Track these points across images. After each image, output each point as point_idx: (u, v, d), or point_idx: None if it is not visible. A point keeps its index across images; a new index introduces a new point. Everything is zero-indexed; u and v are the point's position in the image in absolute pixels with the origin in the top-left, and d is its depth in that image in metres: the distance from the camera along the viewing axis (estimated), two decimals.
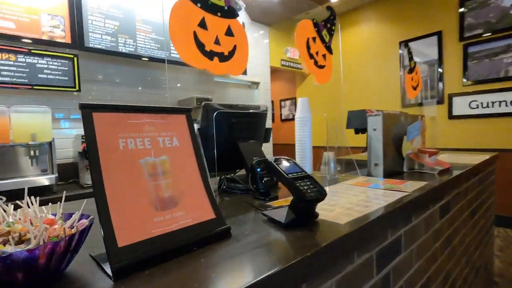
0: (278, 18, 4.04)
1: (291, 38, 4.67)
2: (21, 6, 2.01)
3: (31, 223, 0.44)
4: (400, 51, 4.04)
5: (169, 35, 0.71)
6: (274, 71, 4.37)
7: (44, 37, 2.11)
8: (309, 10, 4.19)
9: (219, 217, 0.60)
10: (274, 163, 0.66)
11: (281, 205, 0.77)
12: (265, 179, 0.91)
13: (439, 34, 3.68)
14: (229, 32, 0.83)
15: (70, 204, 0.85)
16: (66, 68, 2.21)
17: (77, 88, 2.26)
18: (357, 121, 1.40)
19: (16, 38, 1.99)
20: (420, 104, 3.94)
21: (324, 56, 1.17)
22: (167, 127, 0.62)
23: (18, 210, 0.48)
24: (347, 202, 0.82)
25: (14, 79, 2.00)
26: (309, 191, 0.60)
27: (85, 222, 0.46)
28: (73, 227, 0.46)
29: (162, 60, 2.73)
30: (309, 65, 1.08)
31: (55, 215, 0.49)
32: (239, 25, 0.85)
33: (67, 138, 2.30)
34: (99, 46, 2.35)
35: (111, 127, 0.53)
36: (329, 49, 1.21)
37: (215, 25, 0.79)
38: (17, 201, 0.49)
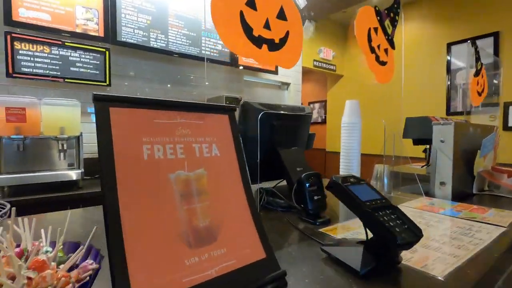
0: (313, 16, 3.84)
1: (325, 38, 4.43)
2: None
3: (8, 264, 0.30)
4: (447, 55, 3.67)
5: (211, 15, 0.57)
6: (304, 72, 4.17)
7: (78, 30, 2.08)
8: (345, 8, 3.95)
9: (271, 258, 0.44)
10: (344, 185, 0.49)
11: (344, 238, 0.59)
12: (315, 197, 0.74)
13: (495, 35, 3.29)
14: (281, 15, 0.67)
15: (88, 211, 0.73)
16: (98, 62, 2.18)
17: (107, 82, 2.22)
18: (418, 130, 1.19)
19: (51, 30, 1.97)
20: (468, 113, 3.56)
21: (386, 51, 0.98)
22: (205, 131, 0.47)
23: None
24: (428, 238, 0.63)
25: (47, 72, 1.98)
26: (397, 229, 0.43)
27: (89, 267, 0.32)
28: (72, 270, 0.32)
29: (192, 57, 2.64)
30: (370, 60, 0.89)
31: (53, 245, 0.36)
32: (294, 7, 0.69)
33: (95, 132, 2.26)
34: (131, 41, 2.30)
35: (133, 128, 0.39)
36: (391, 43, 1.01)
37: (266, 4, 0.64)
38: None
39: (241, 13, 0.61)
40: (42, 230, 0.39)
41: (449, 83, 3.67)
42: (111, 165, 0.35)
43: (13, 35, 1.84)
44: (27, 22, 1.88)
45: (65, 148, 1.86)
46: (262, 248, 0.44)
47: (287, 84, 3.73)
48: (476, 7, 3.41)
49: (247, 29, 0.61)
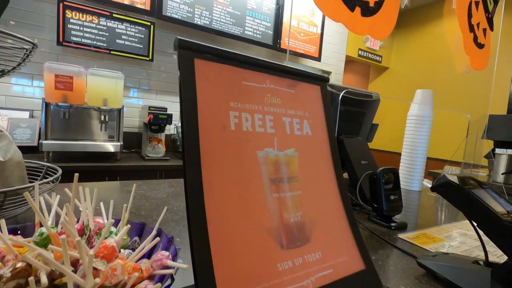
0: None
1: None
2: None
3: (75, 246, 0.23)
4: None
5: None
6: (346, 61, 3.92)
7: (126, 2, 2.06)
8: None
9: (371, 269, 0.34)
10: (466, 188, 0.37)
11: (439, 251, 0.48)
12: (392, 197, 0.63)
13: None
14: None
15: (124, 184, 0.68)
16: (142, 36, 2.15)
17: (150, 57, 2.20)
18: (504, 131, 1.01)
19: (101, 1, 1.97)
20: None
21: (484, 31, 0.82)
22: (296, 102, 0.37)
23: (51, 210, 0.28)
24: None
25: (95, 42, 1.99)
26: None
27: (165, 262, 0.24)
28: (141, 259, 0.25)
29: (235, 37, 2.54)
30: (467, 41, 0.74)
31: (115, 224, 0.29)
32: None
33: (134, 107, 2.27)
34: (176, 16, 2.25)
35: (221, 88, 0.31)
36: (490, 22, 0.84)
37: None
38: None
39: None
40: (102, 204, 0.33)
41: None
42: (195, 132, 0.27)
43: (65, 3, 1.85)
44: None
45: (106, 119, 1.88)
46: (360, 257, 0.35)
47: (328, 73, 3.54)
48: None
49: None
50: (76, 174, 0.26)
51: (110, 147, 1.81)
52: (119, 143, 1.82)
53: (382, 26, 0.58)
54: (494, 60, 0.89)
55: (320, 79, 0.41)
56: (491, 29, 0.87)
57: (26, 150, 1.67)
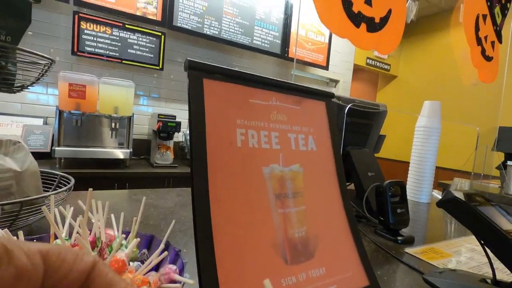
0: None
1: None
2: None
3: None
4: None
5: None
6: (354, 70, 3.92)
7: (138, 13, 2.12)
8: None
9: (375, 285, 0.35)
10: (472, 204, 0.37)
11: (446, 268, 0.47)
12: (398, 210, 0.63)
13: None
14: None
15: (134, 193, 0.70)
16: (153, 46, 2.21)
17: (160, 66, 2.25)
18: None
19: (113, 12, 2.03)
20: None
21: (492, 44, 0.82)
22: (302, 119, 0.38)
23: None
24: None
25: (107, 52, 2.05)
26: None
27: (172, 273, 0.25)
28: (150, 273, 0.26)
29: (244, 46, 2.58)
30: (475, 54, 0.74)
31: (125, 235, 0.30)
32: None
33: (144, 115, 2.32)
34: (186, 26, 2.30)
35: (228, 106, 0.32)
36: (499, 35, 0.84)
37: None
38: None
39: None
40: (113, 216, 0.34)
41: None
42: (203, 148, 0.28)
43: (80, 14, 1.92)
44: (93, 3, 1.95)
45: (117, 127, 1.92)
46: (364, 272, 0.35)
47: (336, 82, 3.54)
48: None
49: (347, 3, 0.51)
50: (90, 189, 0.28)
51: (120, 154, 1.84)
52: (128, 150, 1.86)
53: (388, 41, 0.59)
54: (503, 72, 0.88)
55: (326, 95, 0.42)
56: (500, 41, 0.87)
57: (39, 156, 1.72)
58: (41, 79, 0.49)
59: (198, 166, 0.28)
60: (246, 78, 0.34)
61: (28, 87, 0.48)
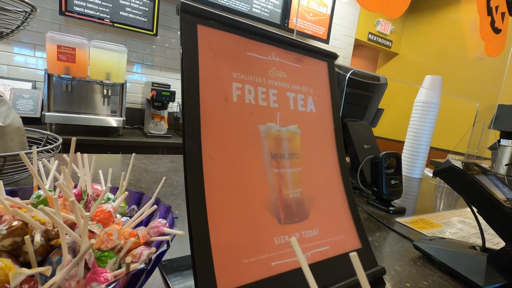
0: None
1: None
2: None
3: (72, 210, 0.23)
4: None
5: None
6: (356, 45, 3.81)
7: None
8: None
9: (367, 249, 0.35)
10: (469, 173, 0.37)
11: (435, 236, 0.48)
12: (392, 181, 0.63)
13: None
14: None
15: (137, 158, 0.69)
16: (147, 9, 2.09)
17: (154, 32, 2.15)
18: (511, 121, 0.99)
19: None
20: None
21: (502, 15, 0.78)
22: (302, 78, 0.36)
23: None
24: None
25: (98, 13, 1.93)
26: None
27: (161, 229, 0.24)
28: (139, 228, 0.25)
29: (242, 14, 2.46)
30: (484, 25, 0.71)
31: (113, 192, 0.29)
32: None
33: (138, 83, 2.25)
34: None
35: (224, 57, 0.29)
36: (510, 6, 0.80)
37: None
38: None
39: None
40: (101, 172, 0.32)
41: None
42: (196, 102, 0.26)
43: None
44: None
45: (109, 94, 1.87)
46: (357, 236, 0.35)
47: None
48: None
49: None
50: (74, 139, 0.26)
51: (113, 121, 1.80)
52: (121, 118, 1.82)
53: (395, 4, 0.55)
54: (509, 47, 0.85)
55: (328, 55, 0.39)
56: (510, 13, 0.83)
57: (28, 121, 1.67)
58: (21, 27, 0.45)
59: (191, 120, 0.26)
60: (245, 28, 0.31)
61: (8, 36, 0.44)
